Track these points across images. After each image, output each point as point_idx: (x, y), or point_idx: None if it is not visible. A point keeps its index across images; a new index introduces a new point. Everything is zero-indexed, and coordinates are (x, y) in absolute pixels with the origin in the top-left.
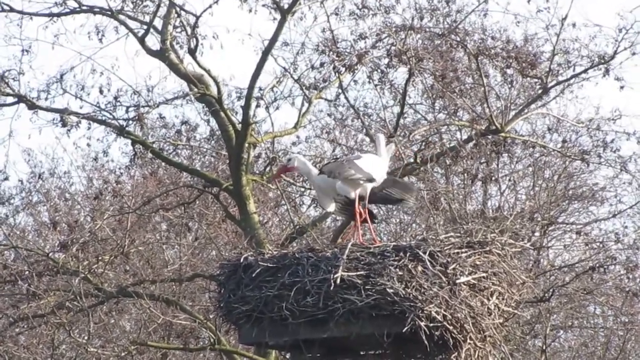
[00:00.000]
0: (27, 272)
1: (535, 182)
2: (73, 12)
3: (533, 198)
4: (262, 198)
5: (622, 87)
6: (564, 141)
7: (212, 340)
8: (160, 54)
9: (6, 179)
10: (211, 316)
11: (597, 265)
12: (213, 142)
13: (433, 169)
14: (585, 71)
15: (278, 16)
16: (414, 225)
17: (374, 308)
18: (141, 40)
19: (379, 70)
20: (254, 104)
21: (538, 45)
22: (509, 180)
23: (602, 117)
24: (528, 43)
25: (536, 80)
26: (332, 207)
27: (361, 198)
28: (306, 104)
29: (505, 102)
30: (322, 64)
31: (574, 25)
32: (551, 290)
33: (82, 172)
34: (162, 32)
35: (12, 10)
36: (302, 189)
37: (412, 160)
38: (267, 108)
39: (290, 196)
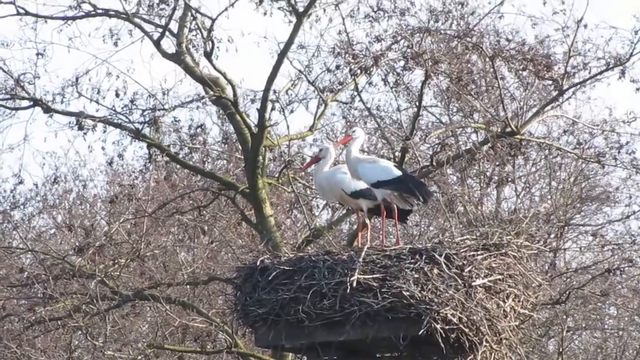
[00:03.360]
0: (43, 276)
1: (550, 184)
2: (88, 15)
3: (549, 199)
4: (276, 201)
5: (638, 89)
6: (579, 143)
7: (228, 343)
8: (176, 57)
9: (21, 182)
10: (228, 319)
11: (613, 267)
12: (226, 145)
13: (448, 172)
14: (601, 73)
15: (293, 19)
16: (430, 227)
17: (390, 311)
18: (157, 44)
19: (395, 73)
20: (269, 106)
21: (551, 46)
22: (524, 182)
23: (616, 119)
24: (542, 45)
25: (551, 82)
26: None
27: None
28: (322, 107)
29: (521, 104)
30: (337, 67)
31: (586, 26)
32: (567, 292)
33: (104, 176)
34: (177, 35)
35: (27, 13)
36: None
37: (427, 162)
38: (282, 111)
39: (306, 199)
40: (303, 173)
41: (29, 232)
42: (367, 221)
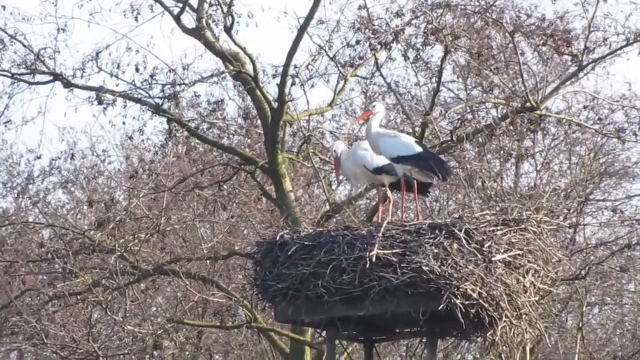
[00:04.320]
0: (63, 250)
1: (570, 159)
2: None
3: (569, 175)
4: (294, 176)
5: None
6: (599, 119)
7: (248, 318)
8: (196, 32)
9: (39, 157)
10: (247, 294)
11: (633, 242)
12: (245, 121)
13: (467, 147)
14: (621, 48)
15: None
16: (450, 203)
17: (409, 286)
18: (177, 19)
19: (415, 48)
20: (289, 81)
21: (572, 22)
22: (544, 158)
23: (636, 94)
24: (562, 20)
25: (571, 57)
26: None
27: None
28: (341, 82)
29: (540, 79)
30: (357, 42)
31: (606, 0)
32: (587, 267)
33: (120, 150)
34: (197, 10)
35: None
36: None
37: (448, 138)
38: (302, 86)
39: (325, 174)
40: (326, 152)
41: (47, 207)
42: (389, 194)
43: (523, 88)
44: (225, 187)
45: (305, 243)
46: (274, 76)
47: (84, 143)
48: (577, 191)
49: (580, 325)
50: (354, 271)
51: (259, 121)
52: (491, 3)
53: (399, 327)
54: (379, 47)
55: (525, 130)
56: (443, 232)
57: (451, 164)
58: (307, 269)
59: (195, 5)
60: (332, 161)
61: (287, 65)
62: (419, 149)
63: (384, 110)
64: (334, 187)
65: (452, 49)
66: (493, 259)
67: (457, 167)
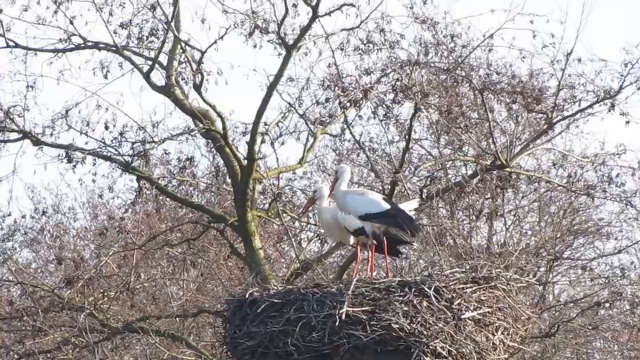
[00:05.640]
0: (32, 308)
1: (540, 217)
2: (78, 48)
3: (538, 233)
4: (264, 233)
5: (627, 122)
6: (569, 176)
7: None
8: (165, 90)
9: (9, 214)
10: (217, 352)
11: (603, 300)
12: (216, 178)
13: (438, 205)
14: (590, 106)
15: (283, 52)
16: (420, 260)
17: (379, 343)
18: (146, 76)
19: (384, 106)
20: (259, 139)
21: (543, 80)
22: (514, 215)
23: (607, 152)
24: (533, 78)
25: (541, 115)
26: (351, 240)
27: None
28: (311, 139)
29: (510, 137)
30: (327, 99)
31: (579, 60)
32: (557, 325)
33: (86, 208)
34: (167, 67)
35: (17, 46)
36: (306, 223)
37: (417, 196)
38: (272, 143)
39: (294, 232)
40: (297, 209)
41: (14, 265)
42: (359, 253)
43: (493, 146)
44: (194, 245)
45: (275, 301)
46: (243, 134)
47: (49, 201)
48: (547, 249)
49: None
50: (324, 329)
51: (228, 179)
52: (460, 61)
53: None
54: (348, 104)
55: (495, 187)
56: (413, 290)
57: (422, 220)
58: (277, 326)
59: (164, 63)
60: (305, 206)
61: (256, 122)
62: (386, 206)
63: (349, 170)
64: (304, 244)
65: (422, 107)
66: (462, 316)
67: (428, 225)
